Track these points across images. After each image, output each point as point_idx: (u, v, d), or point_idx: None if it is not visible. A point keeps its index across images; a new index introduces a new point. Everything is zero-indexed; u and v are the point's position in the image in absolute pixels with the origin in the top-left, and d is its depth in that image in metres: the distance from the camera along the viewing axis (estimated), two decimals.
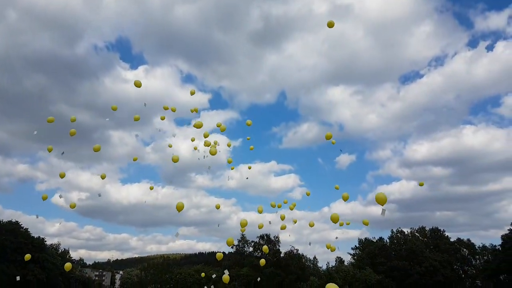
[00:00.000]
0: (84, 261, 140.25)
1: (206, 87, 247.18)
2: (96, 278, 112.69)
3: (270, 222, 23.11)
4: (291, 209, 22.62)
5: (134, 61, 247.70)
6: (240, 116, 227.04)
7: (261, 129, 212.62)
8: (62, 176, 20.30)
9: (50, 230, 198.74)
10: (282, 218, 22.29)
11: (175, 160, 20.20)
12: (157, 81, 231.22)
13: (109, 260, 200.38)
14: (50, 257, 60.20)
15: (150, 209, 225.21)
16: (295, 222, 23.03)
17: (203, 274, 63.88)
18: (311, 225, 24.25)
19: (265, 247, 32.49)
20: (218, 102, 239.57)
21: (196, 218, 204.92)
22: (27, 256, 26.09)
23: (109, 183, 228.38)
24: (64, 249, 79.45)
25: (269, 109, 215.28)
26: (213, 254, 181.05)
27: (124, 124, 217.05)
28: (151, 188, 25.79)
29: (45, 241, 66.78)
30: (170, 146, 24.68)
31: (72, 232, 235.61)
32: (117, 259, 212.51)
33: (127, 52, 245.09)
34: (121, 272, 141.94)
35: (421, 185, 25.51)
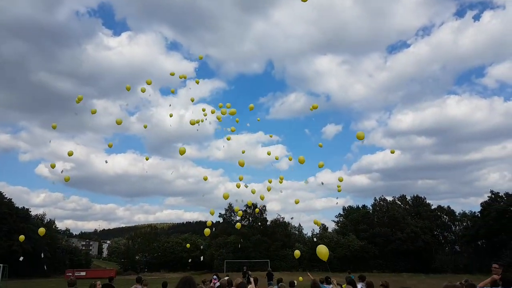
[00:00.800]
0: (71, 231, 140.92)
1: (192, 55, 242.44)
2: (83, 248, 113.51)
3: (246, 186, 23.74)
4: (281, 182, 23.28)
5: (117, 27, 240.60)
6: (227, 85, 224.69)
7: (248, 100, 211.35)
8: (70, 154, 20.57)
9: (35, 200, 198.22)
10: (268, 189, 22.97)
11: (182, 152, 20.35)
12: (141, 48, 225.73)
13: (95, 230, 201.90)
14: (35, 228, 59.93)
15: (137, 179, 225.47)
16: (281, 192, 24.14)
17: (188, 245, 64.91)
18: (296, 202, 25.87)
19: (257, 209, 32.16)
20: (204, 71, 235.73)
21: (183, 188, 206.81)
22: (21, 238, 26.12)
23: (94, 153, 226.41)
24: (50, 219, 79.12)
25: (256, 79, 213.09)
26: (200, 223, 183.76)
27: (108, 93, 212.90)
28: (147, 159, 25.93)
29: (30, 212, 66.38)
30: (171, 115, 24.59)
31: (58, 202, 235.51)
32: (104, 229, 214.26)
33: (109, 18, 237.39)
34: (108, 242, 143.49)
35: (392, 152, 25.85)
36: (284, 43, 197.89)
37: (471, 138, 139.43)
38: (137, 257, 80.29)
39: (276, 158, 25.80)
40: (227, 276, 30.00)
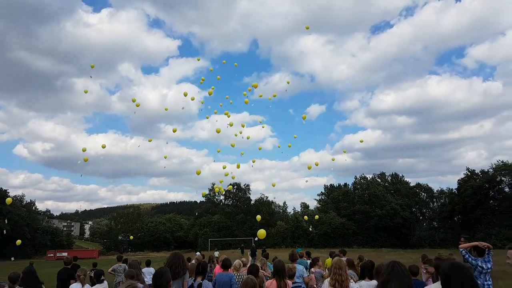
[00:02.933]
0: (51, 212, 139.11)
1: (175, 33, 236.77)
2: (65, 229, 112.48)
3: (225, 167, 24.42)
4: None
5: (97, 3, 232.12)
6: (211, 64, 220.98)
7: (233, 79, 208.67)
8: (85, 160, 21.19)
9: (14, 182, 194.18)
10: (273, 185, 23.88)
11: (259, 219, 21.45)
12: (122, 25, 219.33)
13: (77, 211, 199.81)
14: (13, 209, 58.91)
15: (119, 160, 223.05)
16: (254, 162, 25.01)
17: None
18: (273, 185, 26.85)
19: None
20: (188, 49, 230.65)
21: (167, 169, 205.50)
22: (9, 200, 25.97)
23: (75, 133, 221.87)
24: (31, 200, 77.88)
25: (241, 58, 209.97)
26: (184, 203, 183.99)
27: (88, 71, 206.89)
28: (150, 140, 25.49)
29: (8, 193, 65.05)
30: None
31: (38, 183, 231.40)
32: (85, 210, 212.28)
33: None
34: (90, 222, 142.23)
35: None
36: (269, 22, 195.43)
37: (450, 118, 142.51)
38: (120, 237, 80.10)
39: (248, 138, 26.13)
40: (216, 251, 30.31)
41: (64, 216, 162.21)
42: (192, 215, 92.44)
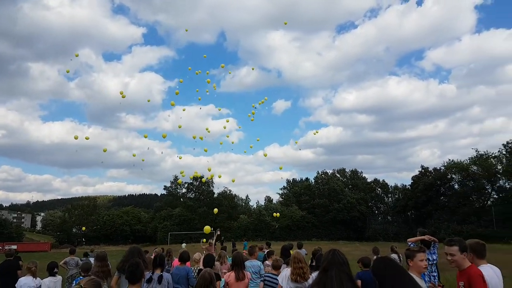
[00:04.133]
0: (0, 203, 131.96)
1: (140, 20, 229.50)
2: (15, 220, 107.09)
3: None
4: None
5: None
6: (177, 54, 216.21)
7: (199, 70, 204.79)
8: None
9: None
10: (209, 170, 23.39)
11: (216, 212, 21.04)
12: (84, 10, 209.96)
13: (28, 202, 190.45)
14: None
15: (75, 149, 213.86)
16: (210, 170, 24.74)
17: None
18: (233, 181, 26.45)
19: (215, 210, 28.81)
20: (153, 37, 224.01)
21: (127, 160, 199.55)
22: None
23: (28, 120, 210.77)
24: None
25: (207, 50, 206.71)
26: (144, 196, 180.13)
27: (46, 56, 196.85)
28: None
29: None
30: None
31: None
32: (38, 201, 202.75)
33: None
34: (42, 214, 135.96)
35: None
36: (237, 15, 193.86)
37: (407, 117, 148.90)
38: (74, 230, 77.17)
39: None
40: (184, 244, 29.77)
41: (14, 207, 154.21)
42: (152, 208, 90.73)
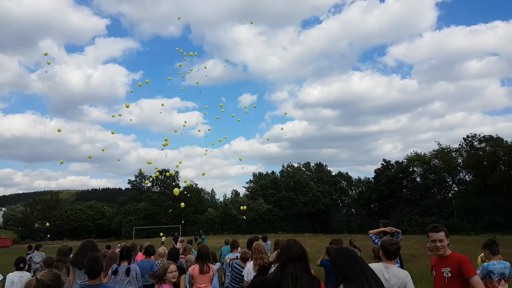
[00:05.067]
0: None
1: (103, 11, 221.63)
2: None
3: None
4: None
5: None
6: (141, 46, 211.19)
7: (164, 63, 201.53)
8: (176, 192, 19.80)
9: None
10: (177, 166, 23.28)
11: (176, 192, 20.44)
12: (46, 0, 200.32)
13: None
14: None
15: (37, 143, 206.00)
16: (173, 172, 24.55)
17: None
18: (203, 174, 26.62)
19: (176, 190, 29.78)
20: (116, 29, 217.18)
21: (89, 153, 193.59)
22: None
23: None
24: None
25: (172, 42, 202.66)
26: (107, 190, 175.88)
27: (5, 46, 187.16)
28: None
29: None
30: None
31: None
32: None
33: None
34: (3, 209, 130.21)
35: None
36: (202, 8, 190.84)
37: (370, 112, 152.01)
38: (36, 225, 74.68)
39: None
40: (163, 237, 29.47)
41: None
42: (116, 202, 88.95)
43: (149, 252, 7.29)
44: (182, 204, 23.66)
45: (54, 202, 79.49)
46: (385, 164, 64.57)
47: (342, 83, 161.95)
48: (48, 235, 65.55)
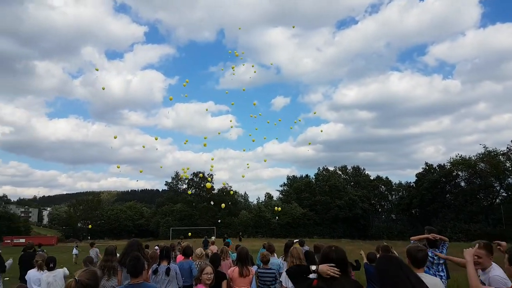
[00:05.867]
0: (8, 198, 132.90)
1: (141, 19, 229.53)
2: (22, 215, 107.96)
3: (143, 146, 24.49)
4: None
5: None
6: (178, 52, 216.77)
7: (199, 68, 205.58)
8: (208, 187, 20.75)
9: None
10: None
11: (208, 186, 21.26)
12: (87, 9, 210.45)
13: (35, 197, 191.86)
14: None
15: (80, 146, 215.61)
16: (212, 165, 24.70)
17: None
18: (243, 176, 26.97)
19: (208, 184, 31.49)
20: (154, 36, 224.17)
21: (129, 156, 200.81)
22: None
23: (35, 117, 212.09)
24: None
25: (207, 47, 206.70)
26: (146, 191, 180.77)
27: (51, 55, 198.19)
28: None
29: None
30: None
31: None
32: (44, 196, 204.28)
33: None
34: (49, 209, 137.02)
35: (265, 161, 27.56)
36: (236, 12, 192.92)
37: (410, 113, 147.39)
38: (79, 225, 78.04)
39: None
40: (213, 237, 30.21)
41: (21, 202, 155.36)
42: (153, 203, 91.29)
43: (187, 253, 7.19)
44: (223, 204, 23.79)
45: (96, 203, 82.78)
46: (427, 167, 62.19)
47: (379, 84, 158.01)
48: (89, 236, 68.18)
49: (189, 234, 36.87)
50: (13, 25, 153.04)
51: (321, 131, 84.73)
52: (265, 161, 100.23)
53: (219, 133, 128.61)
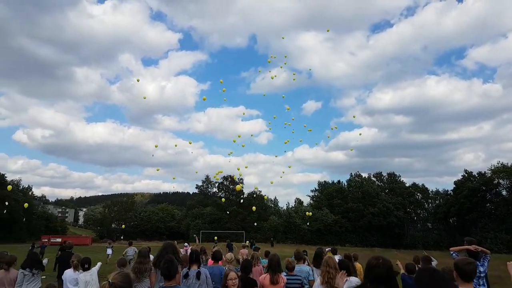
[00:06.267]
0: (47, 198, 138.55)
1: (176, 26, 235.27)
2: (59, 215, 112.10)
3: (175, 153, 24.57)
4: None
5: None
6: (210, 58, 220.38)
7: (230, 73, 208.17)
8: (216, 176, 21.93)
9: (13, 167, 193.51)
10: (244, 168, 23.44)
11: (238, 188, 21.89)
12: (125, 17, 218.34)
13: (72, 198, 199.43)
14: (10, 193, 58.48)
15: (116, 149, 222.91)
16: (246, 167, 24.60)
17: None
18: (271, 183, 26.54)
19: (238, 186, 32.06)
20: (188, 42, 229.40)
21: (162, 159, 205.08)
22: (9, 187, 26.10)
23: (74, 121, 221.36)
24: (29, 185, 77.27)
25: (239, 53, 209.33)
26: (177, 194, 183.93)
27: (89, 61, 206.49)
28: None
29: (6, 177, 64.89)
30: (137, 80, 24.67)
31: (36, 169, 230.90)
32: (80, 197, 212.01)
33: None
34: (84, 209, 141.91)
35: (289, 167, 26.94)
36: (268, 17, 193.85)
37: (448, 119, 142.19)
38: (113, 225, 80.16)
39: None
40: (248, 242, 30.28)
41: (59, 202, 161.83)
42: (184, 206, 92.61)
43: (216, 257, 7.03)
44: (254, 207, 23.73)
45: (130, 204, 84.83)
46: (466, 175, 59.67)
47: (416, 88, 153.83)
48: (122, 236, 69.88)
49: (215, 238, 36.88)
50: (55, 33, 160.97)
51: (360, 134, 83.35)
52: (289, 167, 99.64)
53: (251, 135, 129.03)
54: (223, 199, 58.03)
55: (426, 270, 3.13)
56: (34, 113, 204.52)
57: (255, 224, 55.71)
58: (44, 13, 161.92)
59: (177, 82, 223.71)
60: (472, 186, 55.79)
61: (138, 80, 22.88)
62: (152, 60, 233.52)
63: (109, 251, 26.19)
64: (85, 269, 6.93)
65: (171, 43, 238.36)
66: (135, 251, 16.35)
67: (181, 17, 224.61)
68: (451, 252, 6.33)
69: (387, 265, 3.03)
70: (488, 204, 56.76)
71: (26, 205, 23.86)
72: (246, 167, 25.09)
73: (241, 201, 60.30)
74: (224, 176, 73.09)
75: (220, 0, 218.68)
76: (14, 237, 58.73)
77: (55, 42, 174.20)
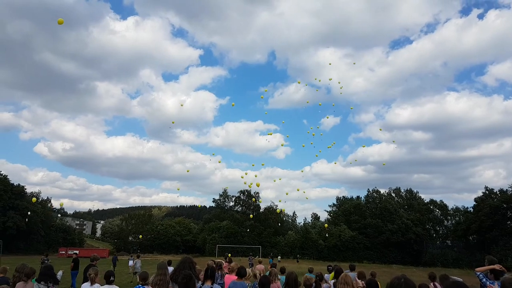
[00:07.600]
0: (65, 210, 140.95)
1: (197, 42, 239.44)
2: (77, 227, 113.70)
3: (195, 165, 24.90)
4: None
5: (124, 11, 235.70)
6: (229, 74, 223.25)
7: (249, 89, 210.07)
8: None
9: (33, 179, 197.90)
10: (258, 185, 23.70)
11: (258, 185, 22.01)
12: (146, 33, 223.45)
13: (90, 210, 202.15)
14: (30, 205, 59.91)
15: (135, 162, 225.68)
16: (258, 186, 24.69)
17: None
18: (286, 194, 26.36)
19: (257, 183, 31.49)
20: (208, 58, 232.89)
21: (180, 173, 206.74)
22: (34, 199, 26.97)
23: (94, 134, 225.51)
24: (48, 197, 79.03)
25: (258, 69, 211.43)
26: (194, 207, 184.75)
27: (111, 76, 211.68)
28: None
29: (25, 189, 66.38)
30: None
31: (55, 181, 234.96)
32: (98, 209, 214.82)
33: (117, 2, 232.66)
34: (102, 222, 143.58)
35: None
36: (287, 34, 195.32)
37: (468, 135, 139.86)
38: (130, 238, 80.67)
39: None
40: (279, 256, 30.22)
41: (77, 215, 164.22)
42: (201, 219, 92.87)
43: (241, 273, 7.23)
44: (278, 210, 24.00)
45: (147, 218, 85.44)
46: (487, 192, 58.33)
47: (435, 104, 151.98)
48: (139, 250, 70.48)
49: (229, 255, 36.72)
50: (78, 48, 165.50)
51: (393, 141, 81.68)
52: (299, 189, 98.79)
53: (268, 142, 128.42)
54: (251, 215, 58.29)
55: (456, 284, 2.74)
56: (55, 126, 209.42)
57: (279, 237, 55.17)
58: (68, 29, 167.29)
59: (197, 97, 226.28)
60: (493, 203, 54.48)
61: (182, 105, 23.19)
62: (172, 75, 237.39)
63: (131, 263, 26.63)
64: (109, 282, 7.04)
65: (191, 58, 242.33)
66: (140, 264, 20.15)
67: (202, 34, 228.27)
68: (477, 273, 6.37)
69: (409, 285, 2.87)
70: (509, 222, 55.29)
71: (34, 199, 24.30)
72: (258, 185, 24.70)
73: (251, 215, 60.25)
74: (240, 190, 73.29)
75: (240, 17, 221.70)
76: (34, 249, 59.91)
77: (77, 57, 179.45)
